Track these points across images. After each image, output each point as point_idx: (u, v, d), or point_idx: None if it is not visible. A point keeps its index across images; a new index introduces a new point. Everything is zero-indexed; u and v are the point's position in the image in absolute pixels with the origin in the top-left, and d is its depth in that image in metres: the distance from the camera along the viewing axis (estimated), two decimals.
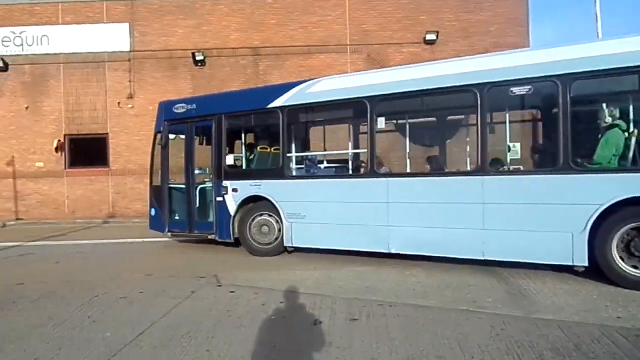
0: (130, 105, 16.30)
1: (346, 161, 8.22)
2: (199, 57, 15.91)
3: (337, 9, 16.04)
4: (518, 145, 6.44)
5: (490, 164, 6.27)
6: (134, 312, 5.00)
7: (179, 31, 16.30)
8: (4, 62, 16.17)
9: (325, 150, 9.53)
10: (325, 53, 15.94)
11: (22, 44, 16.37)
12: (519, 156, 6.38)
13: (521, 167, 6.42)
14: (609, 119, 5.75)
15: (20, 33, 16.34)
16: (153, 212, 9.56)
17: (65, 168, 16.45)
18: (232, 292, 5.64)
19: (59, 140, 16.29)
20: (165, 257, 8.35)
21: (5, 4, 16.71)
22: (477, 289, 5.50)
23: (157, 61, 16.26)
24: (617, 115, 5.73)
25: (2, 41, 16.33)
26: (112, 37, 16.28)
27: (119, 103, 16.31)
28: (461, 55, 7.29)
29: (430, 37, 15.51)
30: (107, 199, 16.39)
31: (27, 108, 16.34)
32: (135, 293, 5.73)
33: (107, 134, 16.43)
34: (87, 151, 16.61)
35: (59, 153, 16.36)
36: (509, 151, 6.35)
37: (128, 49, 16.28)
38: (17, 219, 16.14)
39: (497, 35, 15.40)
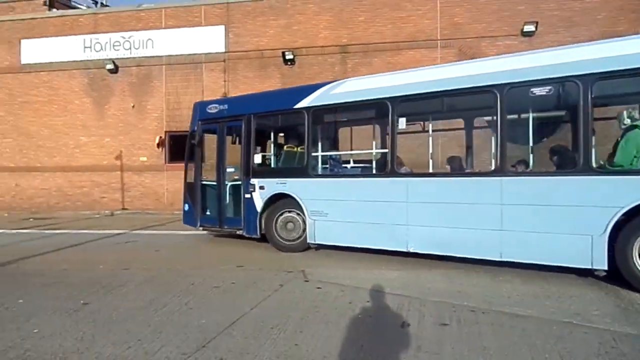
0: None
1: (368, 161, 8.35)
2: (288, 56, 16.29)
3: (427, 3, 15.61)
4: (538, 146, 6.38)
5: (515, 165, 6.28)
6: (227, 301, 5.22)
7: (270, 31, 16.80)
8: (114, 64, 17.70)
9: (348, 150, 9.58)
10: (415, 49, 15.59)
11: (130, 48, 17.81)
12: (540, 158, 6.37)
13: (541, 169, 6.35)
14: (627, 121, 5.73)
15: (129, 37, 17.77)
16: (187, 207, 10.01)
17: (165, 163, 17.65)
18: (319, 288, 5.70)
19: (161, 137, 17.52)
20: (254, 250, 8.63)
21: (116, 11, 18.27)
22: (580, 300, 5.07)
23: (250, 61, 16.90)
24: (637, 116, 5.70)
25: (113, 45, 17.87)
26: (209, 39, 17.17)
27: None
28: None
29: (529, 28, 14.56)
30: None
31: (133, 107, 17.75)
32: (227, 283, 5.99)
33: None
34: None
35: (160, 149, 17.58)
36: (531, 152, 6.34)
37: (223, 50, 17.08)
38: (123, 208, 17.62)
39: (605, 24, 14.11)
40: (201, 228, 9.78)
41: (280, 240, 8.41)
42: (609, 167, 5.66)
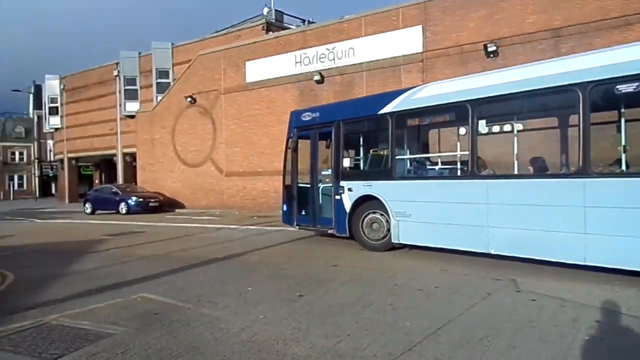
0: None
1: (449, 163, 8.49)
2: (491, 48, 15.34)
3: None
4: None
5: (610, 165, 6.13)
6: (431, 305, 5.13)
7: (470, 25, 16.09)
8: (321, 75, 19.21)
9: (432, 152, 9.63)
10: None
11: (334, 58, 19.12)
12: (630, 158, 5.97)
13: (625, 169, 5.93)
14: None
15: (333, 49, 19.10)
16: (285, 207, 10.72)
17: None
18: (533, 300, 5.18)
19: None
20: (451, 256, 8.33)
21: (321, 26, 19.82)
22: None
23: (448, 58, 16.46)
24: None
25: (319, 58, 19.43)
26: (407, 41, 17.31)
27: None
28: None
29: None
30: None
31: None
32: (431, 287, 5.89)
33: None
34: None
35: None
36: (624, 152, 5.97)
37: (421, 50, 17.02)
38: None
39: None
40: (297, 227, 10.47)
41: (367, 239, 8.89)
42: None
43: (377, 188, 8.61)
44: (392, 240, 8.36)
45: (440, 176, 8.50)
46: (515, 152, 7.15)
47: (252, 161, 21.51)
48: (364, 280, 6.45)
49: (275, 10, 27.88)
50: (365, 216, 8.91)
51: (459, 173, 7.96)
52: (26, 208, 31.32)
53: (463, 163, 7.80)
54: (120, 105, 30.64)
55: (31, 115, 52.72)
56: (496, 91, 6.90)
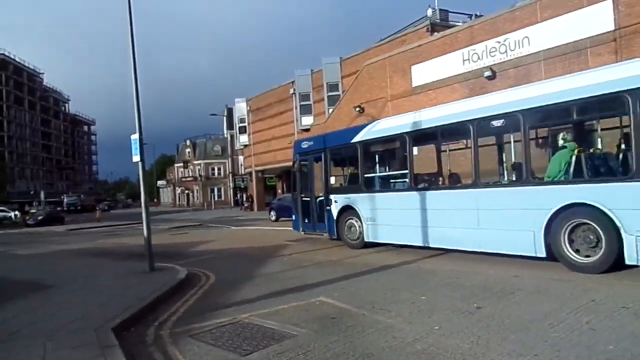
0: None
1: (400, 178, 10.62)
2: None
3: None
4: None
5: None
6: (639, 327, 4.36)
7: None
8: (492, 70, 18.03)
9: (388, 171, 11.61)
10: None
11: (505, 51, 17.77)
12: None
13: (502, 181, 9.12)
14: (561, 142, 7.61)
15: (504, 41, 17.77)
16: (294, 217, 13.76)
17: None
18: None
19: None
20: None
21: (491, 18, 18.63)
22: None
23: None
24: (569, 138, 7.52)
25: (490, 52, 18.26)
26: (593, 20, 15.20)
27: None
28: None
29: None
30: None
31: None
32: (639, 305, 5.01)
33: None
34: None
35: None
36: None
37: (612, 29, 14.79)
38: None
39: None
40: (303, 232, 13.27)
41: (348, 239, 11.45)
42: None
43: (353, 200, 11.24)
44: (364, 240, 10.87)
45: (393, 189, 10.76)
46: (438, 169, 10.90)
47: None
48: (551, 293, 5.79)
49: (440, 10, 27.19)
50: (346, 221, 11.48)
51: (404, 186, 10.18)
52: (223, 216, 35.86)
53: (406, 178, 10.12)
54: (296, 120, 33.16)
55: (225, 135, 60.23)
56: (424, 125, 9.47)
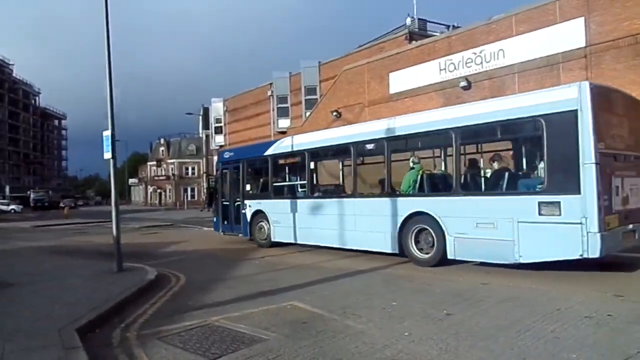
0: None
1: (299, 187, 12.50)
2: None
3: None
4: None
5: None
6: (602, 337, 4.49)
7: None
8: (467, 81, 18.36)
9: (289, 181, 13.36)
10: None
11: (481, 62, 18.12)
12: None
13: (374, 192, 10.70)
14: (411, 164, 9.79)
15: (480, 52, 18.13)
16: (215, 219, 15.31)
17: None
18: None
19: None
20: (631, 276, 7.19)
21: (468, 30, 18.99)
22: None
23: (618, 51, 14.45)
24: (417, 160, 9.82)
25: (466, 63, 18.60)
26: (565, 36, 15.66)
27: None
28: None
29: None
30: None
31: None
32: (602, 314, 5.15)
33: None
34: None
35: None
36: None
37: (583, 45, 15.25)
38: None
39: None
40: (222, 233, 14.73)
41: (258, 239, 13.05)
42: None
43: (263, 205, 12.91)
44: (271, 240, 12.53)
45: (294, 196, 12.26)
46: (331, 181, 13.25)
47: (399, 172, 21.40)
48: (520, 301, 5.91)
49: (418, 19, 27.56)
50: (258, 223, 13.11)
51: (303, 195, 12.00)
52: (196, 216, 35.38)
53: (304, 187, 12.06)
54: (273, 123, 33.06)
55: (200, 135, 59.50)
56: (319, 144, 11.49)
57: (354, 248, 10.24)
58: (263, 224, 12.91)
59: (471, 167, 9.28)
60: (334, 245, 10.66)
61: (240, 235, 13.78)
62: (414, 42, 22.80)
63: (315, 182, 12.42)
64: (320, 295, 6.62)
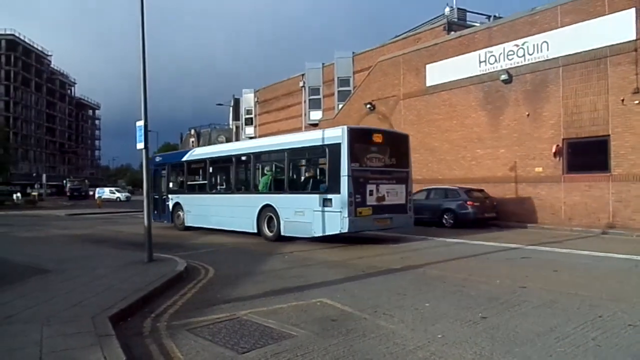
0: (636, 102, 14.61)
1: (202, 185, 17.34)
2: None
3: None
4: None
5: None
6: None
7: None
8: (508, 74, 17.92)
9: (198, 181, 18.01)
10: None
11: (523, 55, 17.64)
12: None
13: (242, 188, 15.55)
14: (265, 171, 14.85)
15: (522, 44, 17.64)
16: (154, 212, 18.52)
17: (562, 173, 16.53)
18: None
19: (557, 145, 16.54)
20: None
21: (509, 21, 18.51)
22: None
23: None
24: (268, 169, 14.74)
25: (507, 55, 18.14)
26: (614, 28, 15.07)
27: (622, 100, 14.94)
28: None
29: None
30: (607, 208, 15.32)
31: (528, 115, 17.46)
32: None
33: (608, 135, 15.36)
34: (586, 155, 16.11)
35: (557, 158, 16.59)
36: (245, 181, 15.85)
37: (634, 38, 14.65)
38: (517, 221, 17.50)
39: None
40: (154, 220, 15.95)
41: (177, 224, 17.54)
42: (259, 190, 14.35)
43: (180, 198, 17.62)
44: (185, 225, 17.06)
45: (199, 192, 17.04)
46: (222, 180, 17.21)
47: (432, 168, 21.13)
48: (558, 307, 5.77)
49: (458, 9, 27.05)
50: (176, 212, 17.71)
51: (203, 191, 16.88)
52: None
53: (204, 186, 16.95)
54: (305, 114, 33.14)
55: (231, 126, 60.23)
56: (215, 155, 16.78)
57: (234, 229, 14.77)
58: (180, 212, 17.53)
59: (294, 175, 14.47)
60: (223, 228, 15.30)
61: (165, 222, 18.29)
62: (452, 32, 22.41)
63: (212, 181, 17.04)
64: (350, 293, 6.63)
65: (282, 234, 12.96)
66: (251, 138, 41.04)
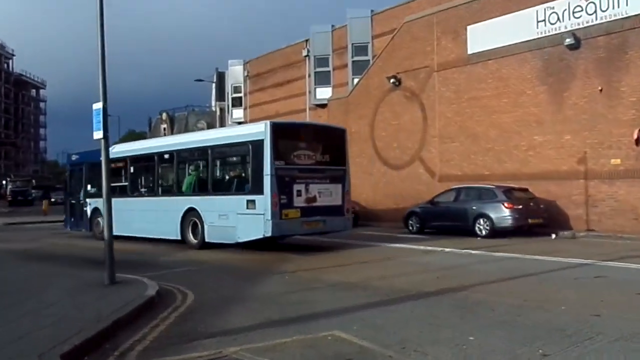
0: None
1: (123, 188, 18.95)
2: None
3: None
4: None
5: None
6: None
7: None
8: (575, 37, 17.80)
9: (120, 183, 19.11)
10: None
11: (594, 11, 17.52)
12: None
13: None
14: (190, 171, 17.08)
15: None
16: (65, 217, 22.37)
17: None
18: None
19: None
20: None
21: None
22: None
23: None
24: (194, 169, 17.01)
25: (573, 13, 18.01)
26: None
27: None
28: None
29: None
30: None
31: (601, 90, 17.36)
32: None
33: None
34: None
35: None
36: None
37: None
38: (588, 229, 17.44)
39: None
40: (69, 229, 21.59)
41: (97, 233, 18.12)
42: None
43: (99, 203, 16.29)
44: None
45: (119, 195, 16.97)
46: (145, 183, 19.26)
47: (475, 161, 21.10)
48: None
49: None
50: (96, 219, 19.21)
51: (125, 194, 18.32)
52: None
53: (126, 188, 18.70)
54: (309, 93, 33.17)
55: (214, 108, 60.50)
56: (136, 152, 18.77)
57: (158, 237, 16.68)
58: (99, 219, 18.62)
59: (218, 175, 16.75)
60: (146, 236, 17.06)
61: (83, 230, 20.32)
62: None
63: (134, 183, 18.96)
64: (371, 324, 6.65)
65: (206, 240, 15.06)
66: (240, 123, 41.25)
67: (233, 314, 7.40)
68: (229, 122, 42.82)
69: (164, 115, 78.82)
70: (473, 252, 13.48)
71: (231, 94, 41.33)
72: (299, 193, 13.59)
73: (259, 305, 7.95)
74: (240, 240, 13.93)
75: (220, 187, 16.02)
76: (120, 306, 7.35)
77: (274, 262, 12.39)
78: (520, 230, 16.72)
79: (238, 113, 40.65)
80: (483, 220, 17.15)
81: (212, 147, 15.74)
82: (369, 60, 28.82)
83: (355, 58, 30.24)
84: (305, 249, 14.85)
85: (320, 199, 13.99)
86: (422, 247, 14.77)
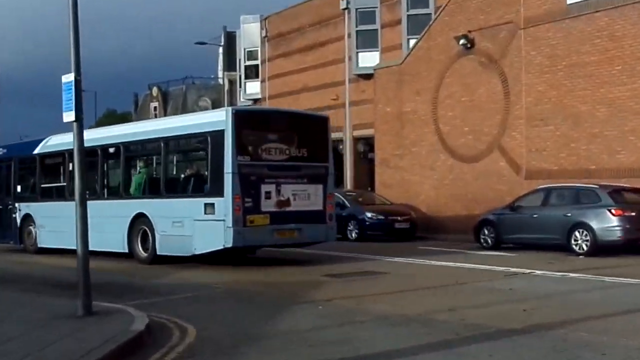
0: None
1: (60, 189, 20.77)
2: None
3: None
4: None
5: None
6: None
7: None
8: None
9: (58, 183, 21.53)
10: None
11: None
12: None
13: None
14: (139, 167, 19.69)
15: None
16: None
17: None
18: None
19: None
20: None
21: None
22: None
23: None
24: (143, 165, 19.12)
25: None
26: None
27: None
28: None
29: None
30: None
31: None
32: None
33: None
34: None
35: None
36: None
37: None
38: None
39: None
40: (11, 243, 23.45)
41: (28, 246, 20.91)
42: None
43: (32, 208, 20.32)
44: (37, 245, 20.42)
45: (55, 199, 19.25)
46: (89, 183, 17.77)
47: (577, 151, 20.83)
48: None
49: None
50: (27, 228, 20.89)
51: (63, 196, 19.13)
52: None
53: (62, 190, 19.67)
54: (349, 59, 33.00)
55: (220, 81, 60.73)
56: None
57: (103, 250, 16.57)
58: (32, 228, 20.28)
59: (172, 173, 17.52)
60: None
61: (12, 242, 21.78)
62: None
63: (73, 183, 19.44)
64: None
65: (158, 252, 15.96)
66: (255, 101, 41.22)
67: (247, 357, 7.40)
68: (241, 100, 42.73)
69: (155, 91, 79.07)
70: (571, 275, 13.27)
71: (244, 62, 41.22)
72: (268, 195, 14.53)
73: (283, 345, 7.92)
74: (197, 253, 14.90)
75: (175, 188, 17.06)
76: (99, 345, 7.34)
77: (302, 287, 12.38)
78: (633, 245, 16.46)
79: (253, 87, 40.49)
80: (581, 231, 16.93)
81: (165, 140, 16.58)
82: (430, 14, 28.64)
83: (412, 11, 30.06)
84: (344, 273, 14.78)
85: (295, 203, 14.91)
86: (501, 269, 14.61)
